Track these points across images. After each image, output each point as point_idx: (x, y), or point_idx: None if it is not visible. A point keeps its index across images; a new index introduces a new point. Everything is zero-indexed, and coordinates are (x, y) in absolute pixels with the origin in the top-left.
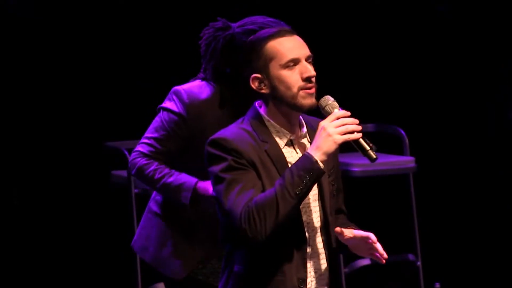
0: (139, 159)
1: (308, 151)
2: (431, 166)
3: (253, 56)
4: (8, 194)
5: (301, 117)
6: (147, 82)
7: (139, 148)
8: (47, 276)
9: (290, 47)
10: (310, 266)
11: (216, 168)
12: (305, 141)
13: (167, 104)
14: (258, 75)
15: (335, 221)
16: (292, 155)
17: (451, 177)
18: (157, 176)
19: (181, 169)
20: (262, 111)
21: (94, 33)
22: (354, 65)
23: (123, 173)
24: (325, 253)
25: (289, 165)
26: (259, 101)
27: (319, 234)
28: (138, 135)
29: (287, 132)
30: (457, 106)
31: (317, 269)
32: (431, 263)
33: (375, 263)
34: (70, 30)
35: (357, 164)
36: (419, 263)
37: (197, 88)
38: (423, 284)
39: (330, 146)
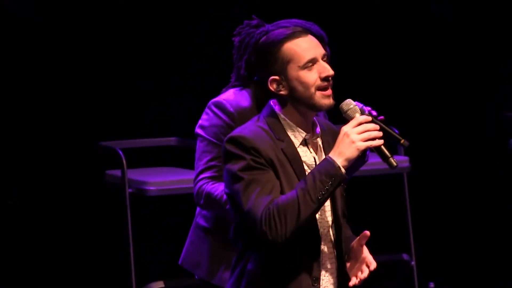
0: (205, 185)
1: (331, 156)
2: (425, 166)
3: (268, 58)
4: (5, 194)
5: (314, 117)
6: (143, 82)
7: (201, 176)
8: (42, 276)
9: (306, 47)
10: (321, 264)
11: (234, 167)
12: (318, 141)
13: (211, 120)
14: (276, 77)
15: (344, 223)
16: (306, 155)
17: (445, 177)
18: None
19: None
20: (277, 109)
21: (93, 33)
22: (349, 65)
23: (118, 172)
24: (334, 252)
25: (304, 164)
26: (274, 100)
27: (330, 233)
28: (132, 134)
29: (303, 131)
30: (456, 106)
31: (327, 268)
32: (425, 263)
33: None
34: (70, 30)
35: None
36: (413, 262)
37: (233, 95)
38: (417, 283)
39: (353, 153)
